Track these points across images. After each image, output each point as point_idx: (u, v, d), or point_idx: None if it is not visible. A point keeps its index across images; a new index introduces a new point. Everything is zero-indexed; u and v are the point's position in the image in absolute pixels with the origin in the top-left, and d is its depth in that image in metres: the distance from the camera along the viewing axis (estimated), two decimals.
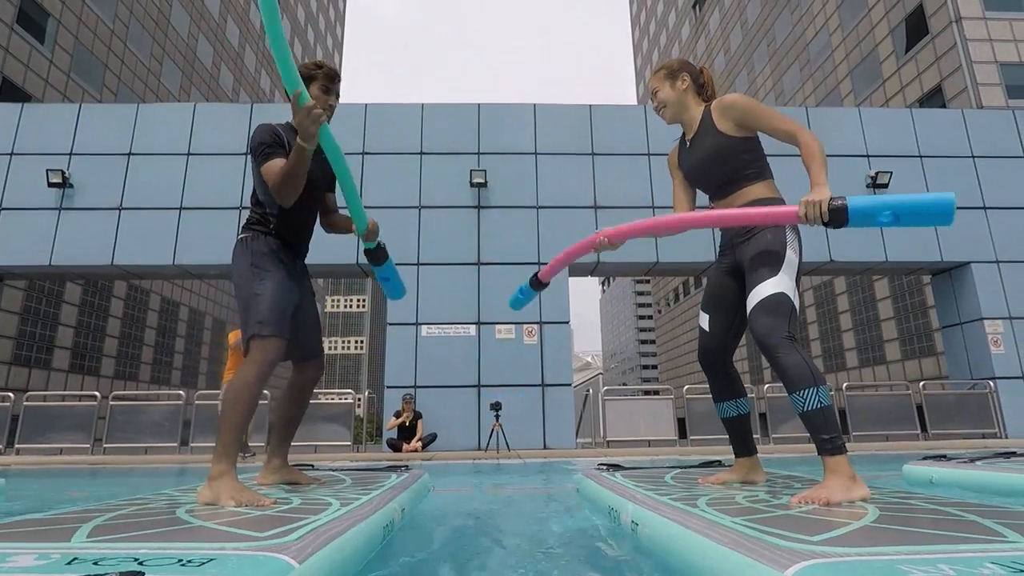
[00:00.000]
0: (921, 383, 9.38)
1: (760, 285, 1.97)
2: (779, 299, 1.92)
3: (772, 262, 1.99)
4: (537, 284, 2.70)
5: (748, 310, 1.99)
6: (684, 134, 2.37)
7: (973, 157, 9.97)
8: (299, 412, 2.55)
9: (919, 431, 8.80)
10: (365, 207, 2.42)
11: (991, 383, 8.94)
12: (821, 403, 1.80)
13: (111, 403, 8.58)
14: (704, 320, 2.31)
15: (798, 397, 1.82)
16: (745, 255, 2.10)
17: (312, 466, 2.99)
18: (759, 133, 2.19)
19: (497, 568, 1.53)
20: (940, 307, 10.36)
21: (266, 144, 2.20)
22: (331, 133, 2.06)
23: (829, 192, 1.79)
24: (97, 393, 8.91)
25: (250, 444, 7.45)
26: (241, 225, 2.34)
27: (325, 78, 2.36)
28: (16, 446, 8.21)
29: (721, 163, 2.16)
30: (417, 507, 2.49)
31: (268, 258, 2.22)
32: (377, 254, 2.52)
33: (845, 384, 9.62)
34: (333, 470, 3.01)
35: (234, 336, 7.23)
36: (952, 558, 0.97)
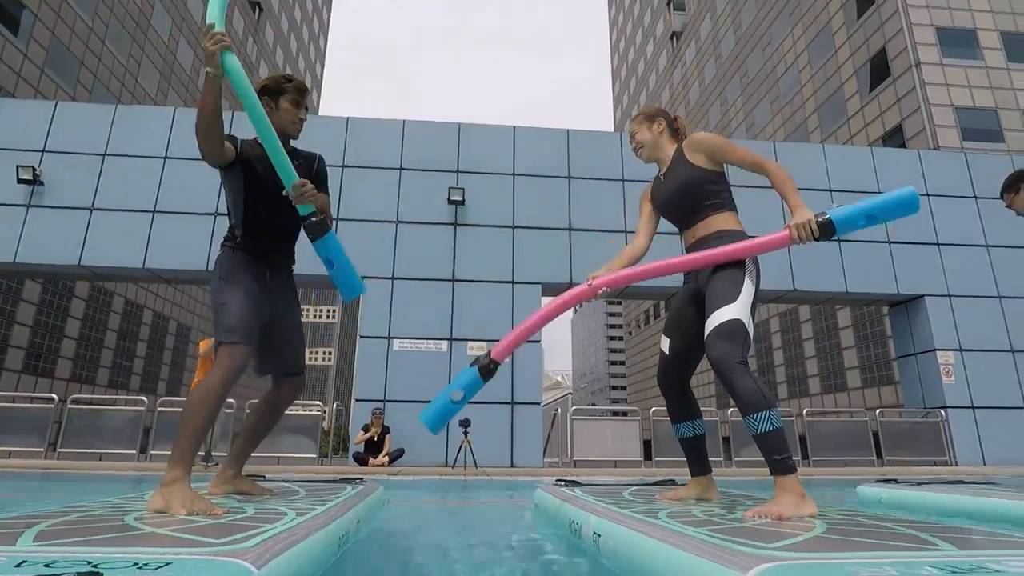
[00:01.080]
0: (878, 411, 9.73)
1: (718, 311, 2.07)
2: (735, 325, 2.03)
3: (731, 289, 2.10)
4: (487, 371, 2.35)
5: (705, 334, 2.08)
6: (659, 170, 2.55)
7: (928, 195, 10.48)
8: (267, 428, 2.56)
9: (875, 457, 9.11)
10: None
11: (943, 412, 9.33)
12: (773, 425, 1.90)
13: (68, 406, 8.34)
14: (664, 344, 2.43)
15: (752, 420, 1.92)
16: (706, 281, 2.22)
17: (263, 477, 2.99)
18: (727, 168, 2.37)
19: None
20: (896, 338, 10.80)
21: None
22: (238, 66, 2.01)
23: (810, 212, 1.98)
24: (54, 395, 8.67)
25: (214, 454, 7.34)
26: (226, 229, 2.38)
27: (295, 91, 2.36)
28: None
29: (689, 194, 2.32)
30: (372, 519, 2.50)
31: (236, 271, 2.25)
32: (313, 226, 2.20)
33: (806, 410, 9.92)
34: (285, 481, 2.99)
35: (204, 345, 7.17)
36: (895, 562, 1.07)
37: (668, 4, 48.42)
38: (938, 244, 10.27)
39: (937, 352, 9.70)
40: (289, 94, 2.34)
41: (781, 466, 1.88)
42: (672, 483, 2.96)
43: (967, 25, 23.91)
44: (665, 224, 2.55)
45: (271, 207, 2.29)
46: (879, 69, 24.83)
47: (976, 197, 10.61)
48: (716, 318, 2.07)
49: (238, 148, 2.24)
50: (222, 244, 2.33)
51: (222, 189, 2.37)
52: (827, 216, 1.91)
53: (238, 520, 1.59)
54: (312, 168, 2.46)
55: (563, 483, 2.92)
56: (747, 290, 2.11)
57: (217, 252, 2.34)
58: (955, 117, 22.42)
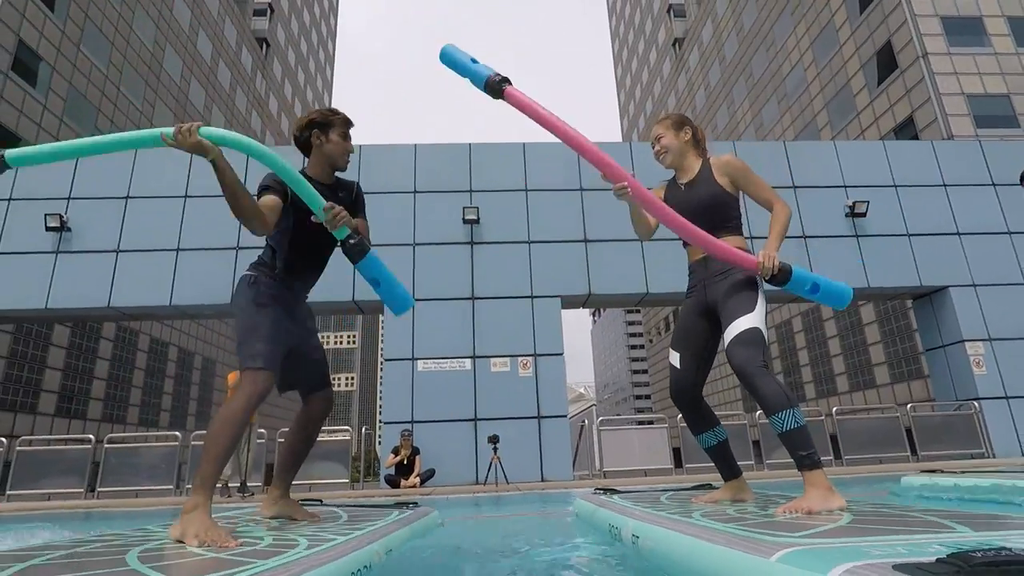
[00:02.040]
0: (909, 405, 9.57)
1: (737, 320, 2.21)
2: (754, 333, 2.17)
3: (747, 301, 2.25)
4: (496, 90, 2.21)
5: (726, 343, 2.22)
6: (676, 177, 2.62)
7: (945, 185, 10.38)
8: (305, 445, 2.59)
9: (909, 453, 8.94)
10: None
11: (976, 404, 9.15)
12: (797, 423, 2.01)
13: (105, 446, 8.53)
14: (675, 358, 2.53)
15: (777, 419, 2.03)
16: (719, 294, 2.34)
17: (320, 501, 3.03)
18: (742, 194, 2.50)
19: None
20: (923, 331, 10.63)
21: (264, 185, 2.31)
22: (219, 131, 2.04)
23: (778, 262, 2.21)
24: (91, 436, 8.86)
25: (248, 484, 7.44)
26: (248, 263, 2.41)
27: (343, 124, 2.47)
28: (7, 492, 8.11)
29: (712, 211, 2.43)
30: (420, 542, 2.48)
31: (269, 297, 2.29)
32: (351, 248, 2.24)
33: (835, 409, 9.78)
34: (337, 506, 3.01)
35: (232, 377, 7.31)
36: (908, 543, 1.14)
37: (668, 11, 48.71)
38: (959, 234, 10.14)
39: (966, 343, 9.53)
40: (338, 127, 2.44)
41: (807, 462, 1.99)
42: (709, 487, 3.02)
43: (973, 12, 23.71)
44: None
45: (314, 243, 2.39)
46: (886, 62, 24.69)
47: (994, 184, 10.47)
48: (736, 327, 2.21)
49: (288, 196, 2.28)
50: (256, 267, 2.35)
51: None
52: (789, 266, 2.20)
53: (240, 554, 1.54)
54: (353, 194, 2.58)
55: (601, 491, 3.02)
56: (761, 304, 2.28)
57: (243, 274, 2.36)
58: (967, 105, 22.16)
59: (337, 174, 2.54)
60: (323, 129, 2.42)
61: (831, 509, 1.85)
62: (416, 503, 3.12)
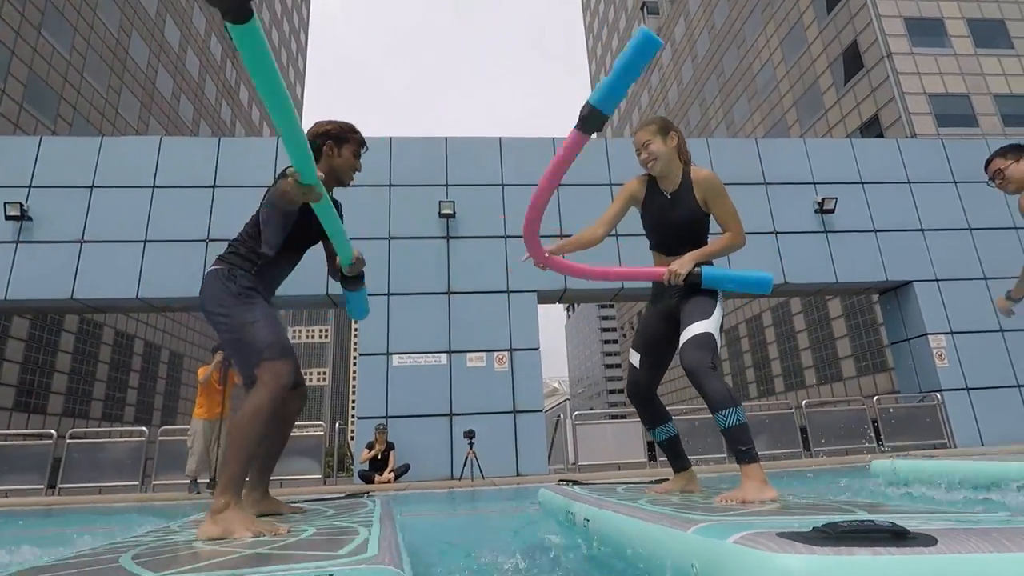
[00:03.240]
0: (875, 398, 9.85)
1: (693, 324, 2.37)
2: (707, 337, 2.33)
3: (705, 308, 2.41)
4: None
5: (681, 343, 2.37)
6: (658, 181, 2.62)
7: (909, 183, 10.69)
8: (281, 444, 2.55)
9: (875, 444, 9.21)
10: None
11: (938, 395, 9.46)
12: (739, 420, 2.17)
13: (68, 441, 8.27)
14: (635, 358, 2.67)
15: (721, 416, 2.18)
16: (683, 301, 2.48)
17: (303, 509, 2.98)
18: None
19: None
20: (888, 324, 10.95)
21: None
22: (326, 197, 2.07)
23: (691, 267, 2.39)
24: (52, 431, 8.59)
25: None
26: (216, 256, 2.34)
27: (357, 144, 2.44)
28: None
29: (689, 230, 2.53)
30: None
31: (252, 290, 2.24)
32: (352, 281, 2.53)
33: (804, 402, 10.01)
34: (296, 502, 2.95)
35: (203, 371, 7.16)
36: (803, 520, 1.31)
37: (642, 8, 49.02)
38: (922, 230, 10.45)
39: (929, 336, 9.85)
40: (352, 145, 2.42)
41: (746, 456, 2.15)
42: (665, 480, 3.09)
43: (934, 14, 24.41)
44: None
45: (301, 245, 2.43)
46: (852, 61, 25.27)
47: (955, 182, 10.82)
48: (691, 331, 2.36)
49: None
50: (228, 261, 2.27)
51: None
52: (698, 275, 2.38)
53: (308, 538, 1.55)
54: (340, 213, 2.55)
55: (565, 483, 3.19)
56: (717, 312, 2.44)
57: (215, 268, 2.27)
58: (929, 104, 22.84)
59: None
60: (337, 143, 2.39)
61: (764, 499, 2.00)
62: (369, 494, 3.11)
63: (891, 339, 10.85)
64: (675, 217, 2.54)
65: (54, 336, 23.30)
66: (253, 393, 2.04)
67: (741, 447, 2.15)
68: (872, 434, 9.29)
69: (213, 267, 2.29)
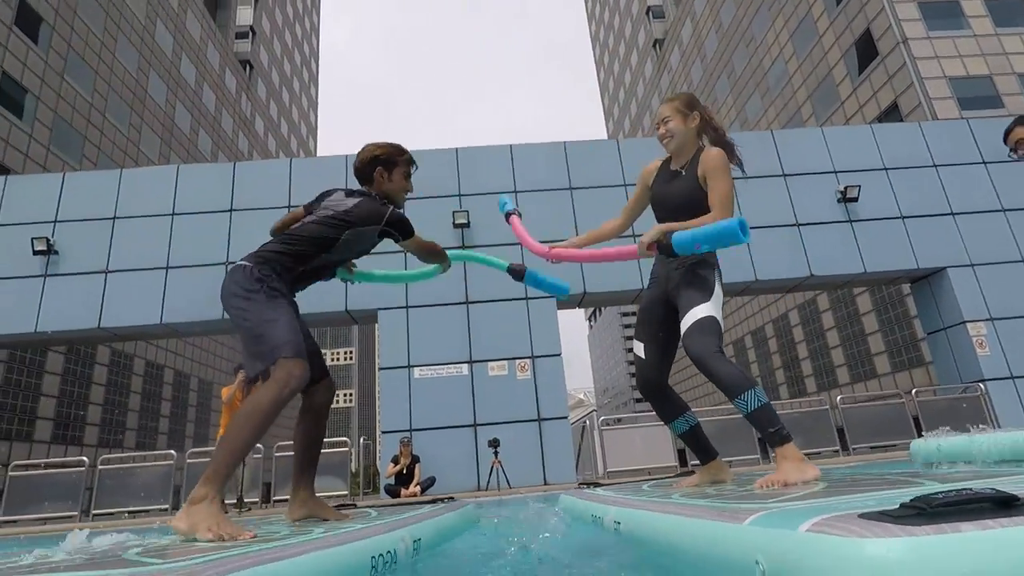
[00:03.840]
0: (914, 391, 9.46)
1: (694, 309, 2.23)
2: (710, 321, 2.19)
3: (703, 290, 2.27)
4: (517, 274, 2.86)
5: (683, 330, 2.23)
6: (671, 158, 2.52)
7: (935, 166, 10.35)
8: (317, 439, 2.48)
9: (918, 438, 8.82)
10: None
11: (981, 385, 9.05)
12: (760, 401, 2.03)
13: (99, 468, 8.36)
14: (639, 348, 2.54)
15: (740, 401, 2.04)
16: (677, 284, 2.36)
17: (355, 505, 2.94)
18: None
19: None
20: (922, 314, 10.57)
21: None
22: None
23: (656, 236, 2.14)
24: (85, 459, 8.68)
25: (246, 500, 7.27)
26: (248, 256, 2.30)
27: (407, 164, 2.58)
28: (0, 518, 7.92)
29: (689, 209, 2.38)
30: (455, 537, 2.47)
31: (280, 291, 2.23)
32: (516, 273, 2.86)
33: (839, 398, 9.67)
34: (369, 506, 2.94)
35: (227, 391, 7.16)
36: (876, 498, 1.16)
37: (647, 13, 49.04)
38: (953, 214, 10.09)
39: (967, 324, 9.45)
40: (402, 167, 2.54)
41: (777, 437, 2.00)
42: (690, 473, 3.00)
43: None
44: None
45: (351, 257, 2.59)
46: (866, 50, 24.82)
47: (985, 162, 10.43)
48: (692, 315, 2.22)
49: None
50: (258, 262, 2.25)
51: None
52: (666, 241, 2.12)
53: (244, 544, 1.46)
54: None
55: (585, 486, 3.04)
56: (717, 291, 2.30)
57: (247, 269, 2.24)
58: (950, 88, 22.26)
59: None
60: (387, 167, 2.50)
61: (807, 480, 1.86)
62: (452, 498, 3.07)
63: (927, 329, 10.46)
64: (673, 191, 2.45)
65: (87, 369, 23.80)
66: (259, 390, 1.98)
67: (770, 429, 2.01)
68: (913, 429, 8.92)
69: (241, 262, 2.26)
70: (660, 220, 2.49)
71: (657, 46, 48.26)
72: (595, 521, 2.22)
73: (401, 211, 2.50)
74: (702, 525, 1.32)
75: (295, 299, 2.44)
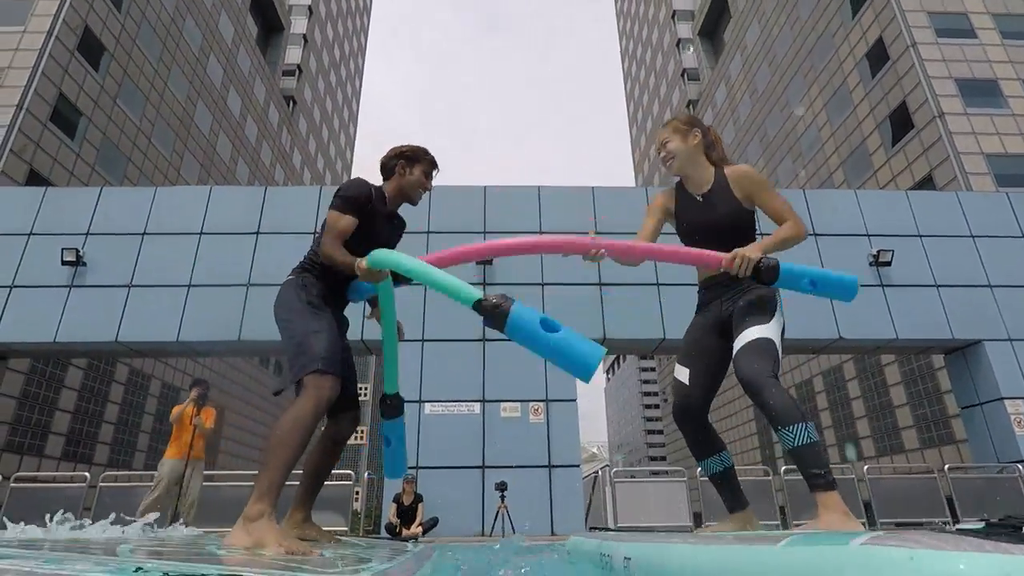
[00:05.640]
0: (946, 467, 8.94)
1: (749, 329, 2.06)
2: (767, 343, 2.01)
3: (763, 313, 2.10)
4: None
5: (735, 352, 2.05)
6: (686, 184, 2.44)
7: (972, 236, 10.09)
8: (329, 466, 2.50)
9: (949, 518, 8.28)
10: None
11: (1020, 467, 8.51)
12: (810, 438, 1.83)
13: (100, 484, 8.23)
14: (683, 374, 2.32)
15: (787, 433, 1.84)
16: (735, 308, 2.18)
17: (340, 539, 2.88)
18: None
19: None
20: (957, 388, 10.10)
21: (347, 196, 2.31)
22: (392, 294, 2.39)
23: (760, 254, 1.99)
24: (87, 474, 8.57)
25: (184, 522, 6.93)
26: (261, 299, 2.49)
27: (429, 164, 2.60)
28: None
29: (735, 231, 2.26)
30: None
31: (320, 299, 2.27)
32: (389, 408, 2.53)
33: (866, 467, 9.17)
34: (341, 537, 2.91)
35: (177, 409, 6.88)
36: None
37: (682, 75, 50.15)
38: (990, 286, 9.76)
39: (1005, 401, 8.98)
40: (423, 164, 2.58)
41: (821, 481, 1.81)
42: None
43: (988, 75, 23.96)
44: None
45: (361, 252, 2.40)
46: (901, 122, 24.84)
47: None
48: (747, 336, 2.05)
49: (364, 210, 2.36)
50: (301, 270, 2.36)
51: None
52: (775, 262, 1.95)
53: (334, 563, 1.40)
54: (400, 228, 2.77)
55: (596, 529, 2.80)
56: (778, 318, 2.12)
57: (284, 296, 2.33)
58: (987, 164, 22.04)
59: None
60: (410, 162, 2.56)
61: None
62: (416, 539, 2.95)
63: (961, 404, 9.97)
64: (713, 219, 2.30)
65: (105, 387, 23.99)
66: (297, 402, 1.98)
67: (814, 470, 1.81)
68: (946, 507, 8.37)
69: (288, 277, 2.38)
70: (703, 246, 2.33)
71: (691, 107, 49.10)
72: (604, 561, 2.02)
73: (361, 185, 2.41)
74: (728, 552, 1.17)
75: (343, 312, 2.53)
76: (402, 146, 2.61)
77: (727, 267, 1.99)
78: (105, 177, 22.84)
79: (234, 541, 1.69)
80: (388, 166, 2.58)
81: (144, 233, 9.50)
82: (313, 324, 2.15)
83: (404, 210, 2.71)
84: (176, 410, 6.86)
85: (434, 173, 2.64)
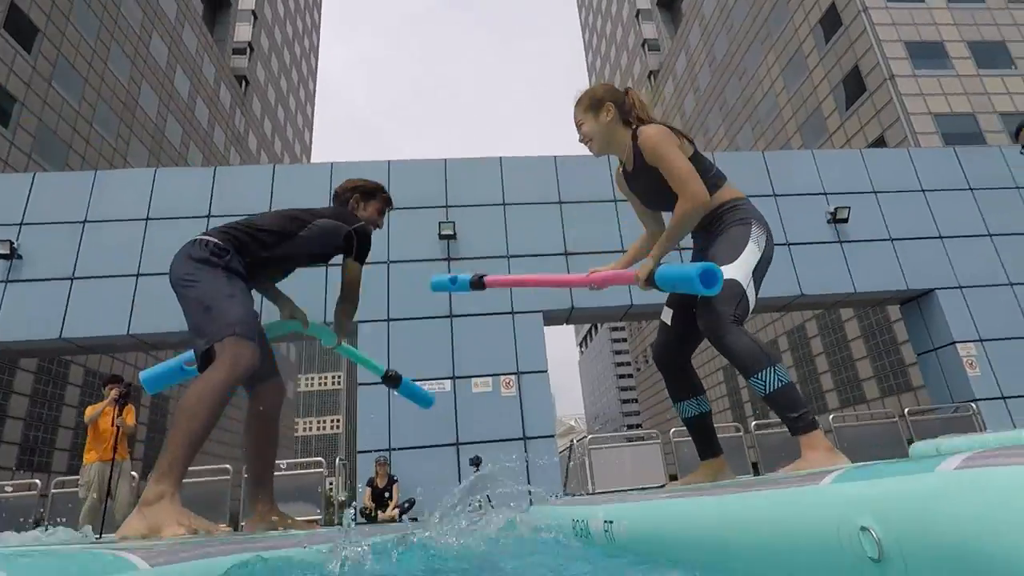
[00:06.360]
0: (906, 411, 9.28)
1: None
2: (729, 284, 1.85)
3: (730, 252, 1.96)
4: (478, 284, 2.48)
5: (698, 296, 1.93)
6: (620, 161, 2.31)
7: (923, 191, 10.34)
8: (270, 445, 2.29)
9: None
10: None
11: (974, 405, 8.88)
12: (781, 381, 1.75)
13: (53, 491, 7.86)
14: (667, 315, 2.23)
15: (757, 380, 1.76)
16: (710, 243, 2.06)
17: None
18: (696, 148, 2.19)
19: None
20: (913, 336, 10.44)
21: (373, 225, 2.61)
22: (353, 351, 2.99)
23: (652, 266, 1.91)
24: (38, 481, 8.20)
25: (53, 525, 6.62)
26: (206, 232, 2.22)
27: (383, 202, 2.66)
28: None
29: (667, 194, 2.07)
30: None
31: (240, 272, 2.10)
32: (391, 379, 2.83)
33: (831, 416, 9.43)
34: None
35: (92, 409, 6.44)
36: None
37: (643, 46, 50.01)
38: (941, 238, 10.05)
39: (957, 345, 9.33)
40: (378, 202, 2.64)
41: (801, 423, 1.73)
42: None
43: (934, 38, 24.53)
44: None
45: (288, 266, 2.52)
46: (854, 85, 25.30)
47: (972, 189, 10.47)
48: None
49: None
50: (223, 236, 2.16)
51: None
52: (650, 275, 1.96)
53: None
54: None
55: (569, 495, 2.69)
56: (749, 253, 1.96)
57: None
58: (935, 124, 22.68)
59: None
60: (365, 197, 2.60)
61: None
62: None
63: (917, 351, 10.31)
64: (643, 191, 2.20)
65: (59, 390, 23.01)
66: (209, 371, 1.80)
67: (791, 414, 1.73)
68: (907, 448, 8.68)
69: (198, 237, 2.16)
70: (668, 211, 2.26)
71: (652, 77, 49.10)
72: (577, 528, 1.80)
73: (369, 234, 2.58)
74: (752, 497, 0.94)
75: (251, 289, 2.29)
76: (358, 180, 2.65)
77: (636, 282, 1.95)
78: (43, 166, 21.65)
79: (127, 531, 1.52)
80: (342, 197, 2.60)
81: (85, 221, 8.98)
82: (226, 288, 1.98)
83: None
84: (92, 410, 6.36)
85: (388, 211, 2.69)
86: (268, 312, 3.30)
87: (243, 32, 42.18)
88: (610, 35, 59.39)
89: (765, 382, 1.75)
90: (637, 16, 50.74)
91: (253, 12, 42.84)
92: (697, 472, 2.23)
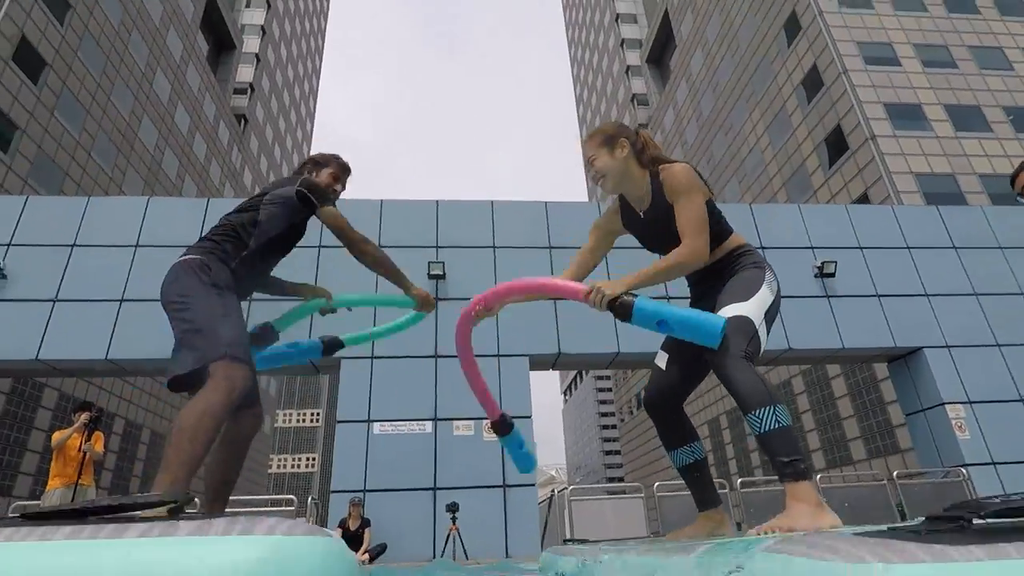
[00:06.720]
0: (895, 473, 9.14)
1: (725, 308, 1.89)
2: (741, 321, 1.82)
3: (744, 292, 1.93)
4: (505, 427, 2.48)
5: None
6: (628, 200, 2.26)
7: (908, 248, 10.50)
8: (235, 471, 2.20)
9: (901, 521, 8.42)
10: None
11: (963, 470, 8.76)
12: (779, 423, 1.66)
13: (10, 516, 7.49)
14: (662, 359, 2.17)
15: (754, 417, 1.69)
16: (721, 285, 2.03)
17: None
18: (711, 198, 2.16)
19: None
20: (901, 395, 10.40)
21: (329, 189, 2.48)
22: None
23: (621, 289, 1.82)
24: None
25: None
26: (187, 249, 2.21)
27: (338, 167, 2.62)
28: None
29: (674, 239, 2.05)
30: None
31: (226, 284, 2.05)
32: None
33: (818, 477, 9.28)
34: None
35: (59, 434, 6.23)
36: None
37: (632, 100, 51.60)
38: (927, 295, 10.15)
39: (946, 406, 9.28)
40: (331, 168, 2.60)
41: (790, 470, 1.64)
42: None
43: (912, 100, 25.52)
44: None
45: (282, 250, 2.47)
46: (837, 144, 26.12)
47: (956, 247, 10.64)
48: (723, 314, 1.86)
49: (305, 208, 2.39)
50: (204, 252, 2.12)
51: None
52: (632, 299, 1.81)
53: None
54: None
55: (571, 542, 2.61)
56: (763, 295, 1.94)
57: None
58: (916, 183, 23.33)
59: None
60: (317, 167, 2.58)
61: (821, 529, 1.47)
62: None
63: (906, 411, 10.25)
64: (662, 235, 2.11)
65: (31, 413, 22.37)
66: (206, 391, 1.75)
67: (783, 458, 1.64)
68: (896, 514, 8.51)
69: (184, 256, 2.12)
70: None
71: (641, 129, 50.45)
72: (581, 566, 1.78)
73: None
74: (693, 561, 1.01)
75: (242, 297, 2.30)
76: (316, 154, 2.65)
77: (585, 300, 1.86)
78: (38, 191, 21.62)
79: None
80: (299, 171, 2.61)
81: (74, 245, 8.90)
82: (218, 307, 1.92)
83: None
84: (60, 434, 6.15)
85: (346, 178, 2.65)
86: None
87: (245, 73, 43.12)
88: (600, 89, 61.33)
89: (762, 420, 1.67)
90: (627, 72, 52.53)
91: (256, 55, 43.94)
92: (697, 524, 2.09)
